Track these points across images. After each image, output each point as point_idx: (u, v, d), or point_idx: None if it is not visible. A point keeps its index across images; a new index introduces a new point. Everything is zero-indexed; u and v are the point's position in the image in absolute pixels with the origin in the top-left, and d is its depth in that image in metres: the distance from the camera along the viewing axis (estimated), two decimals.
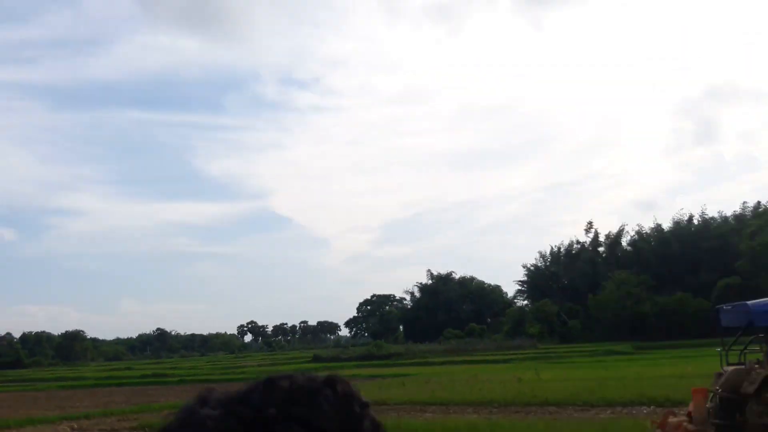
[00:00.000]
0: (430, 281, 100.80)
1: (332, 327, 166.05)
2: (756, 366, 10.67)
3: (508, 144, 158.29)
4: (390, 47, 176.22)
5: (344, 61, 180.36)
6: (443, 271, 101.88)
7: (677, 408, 14.52)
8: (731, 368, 11.09)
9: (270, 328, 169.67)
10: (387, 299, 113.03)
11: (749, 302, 11.62)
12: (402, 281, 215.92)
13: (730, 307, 12.26)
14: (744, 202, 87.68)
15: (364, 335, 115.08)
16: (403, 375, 38.91)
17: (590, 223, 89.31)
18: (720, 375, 11.16)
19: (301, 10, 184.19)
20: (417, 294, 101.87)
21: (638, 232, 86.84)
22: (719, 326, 12.65)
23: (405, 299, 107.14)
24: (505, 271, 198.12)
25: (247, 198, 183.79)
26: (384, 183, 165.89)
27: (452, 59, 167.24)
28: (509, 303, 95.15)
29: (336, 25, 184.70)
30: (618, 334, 67.61)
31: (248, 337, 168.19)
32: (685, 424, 10.64)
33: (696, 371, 27.90)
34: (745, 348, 11.92)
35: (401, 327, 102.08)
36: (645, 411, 17.39)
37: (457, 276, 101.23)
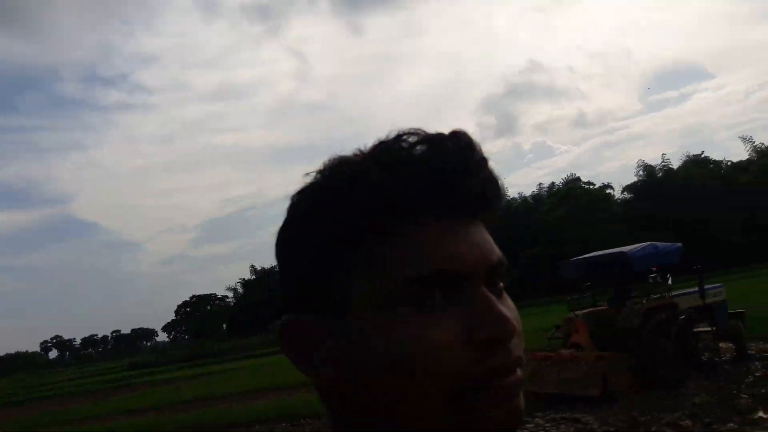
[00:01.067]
0: (253, 276, 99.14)
1: (148, 333, 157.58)
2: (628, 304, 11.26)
3: (328, 139, 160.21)
4: (205, 44, 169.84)
5: (155, 57, 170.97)
6: (267, 266, 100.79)
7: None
8: (583, 312, 11.63)
9: (78, 342, 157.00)
10: (209, 299, 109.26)
11: (625, 248, 12.27)
12: (224, 279, 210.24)
13: (576, 260, 13.07)
14: (540, 184, 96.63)
15: (184, 338, 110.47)
16: (231, 370, 37.93)
17: None
18: (570, 320, 11.68)
19: (106, 5, 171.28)
20: (240, 290, 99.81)
21: None
22: (562, 278, 13.77)
23: (228, 297, 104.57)
24: None
25: (43, 204, 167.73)
26: (200, 181, 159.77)
27: (270, 56, 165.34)
28: None
29: (146, 22, 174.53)
30: None
31: (53, 353, 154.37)
32: (577, 352, 10.68)
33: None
34: (593, 294, 12.81)
35: (224, 325, 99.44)
36: None
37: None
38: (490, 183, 0.57)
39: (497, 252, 0.57)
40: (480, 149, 0.57)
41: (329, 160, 0.59)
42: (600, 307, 12.05)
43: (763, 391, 8.77)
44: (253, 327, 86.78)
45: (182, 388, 27.71)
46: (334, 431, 0.58)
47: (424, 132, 0.57)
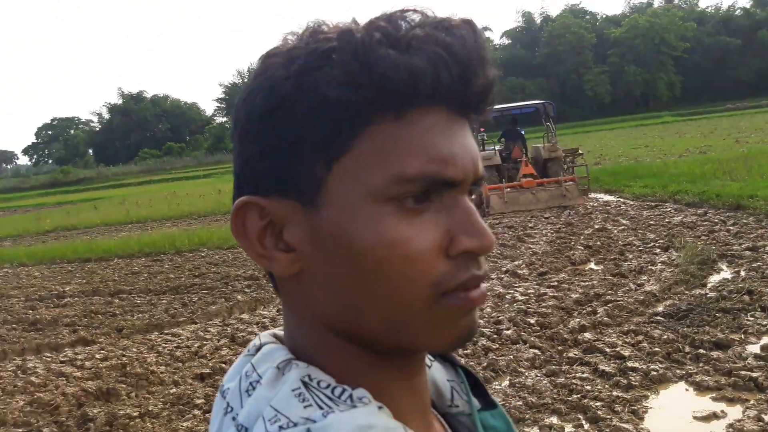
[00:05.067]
0: (120, 101, 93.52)
1: (7, 156, 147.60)
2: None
3: None
4: None
5: None
6: (134, 90, 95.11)
7: None
8: (524, 151, 14.99)
9: None
10: (71, 122, 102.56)
11: (536, 102, 17.02)
12: (87, 102, 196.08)
13: None
14: None
15: (47, 162, 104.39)
16: (96, 199, 36.65)
17: None
18: (516, 157, 14.78)
19: None
20: (106, 115, 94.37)
21: None
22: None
23: (93, 121, 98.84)
24: (201, 88, 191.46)
25: None
26: None
27: None
28: (208, 121, 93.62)
29: None
30: None
31: None
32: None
33: None
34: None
35: (90, 151, 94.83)
36: None
37: (149, 94, 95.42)
38: (495, 83, 0.52)
39: (480, 162, 0.53)
40: (486, 43, 0.51)
41: (319, 25, 0.51)
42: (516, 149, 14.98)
43: (598, 243, 9.44)
44: (120, 154, 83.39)
45: (44, 218, 26.59)
46: (289, 322, 0.56)
47: (431, 12, 0.51)
